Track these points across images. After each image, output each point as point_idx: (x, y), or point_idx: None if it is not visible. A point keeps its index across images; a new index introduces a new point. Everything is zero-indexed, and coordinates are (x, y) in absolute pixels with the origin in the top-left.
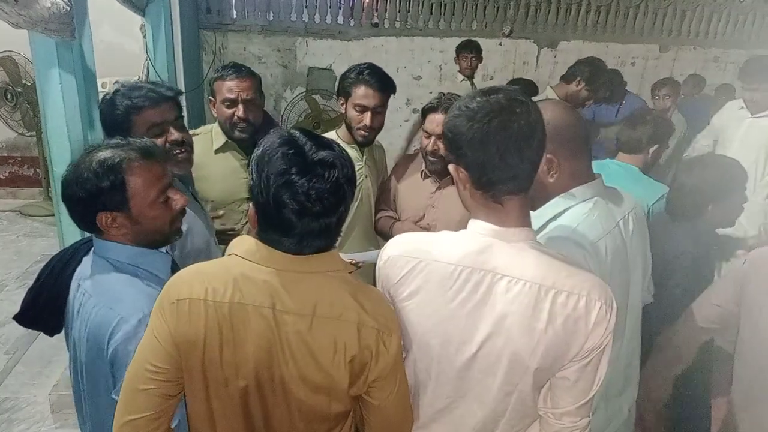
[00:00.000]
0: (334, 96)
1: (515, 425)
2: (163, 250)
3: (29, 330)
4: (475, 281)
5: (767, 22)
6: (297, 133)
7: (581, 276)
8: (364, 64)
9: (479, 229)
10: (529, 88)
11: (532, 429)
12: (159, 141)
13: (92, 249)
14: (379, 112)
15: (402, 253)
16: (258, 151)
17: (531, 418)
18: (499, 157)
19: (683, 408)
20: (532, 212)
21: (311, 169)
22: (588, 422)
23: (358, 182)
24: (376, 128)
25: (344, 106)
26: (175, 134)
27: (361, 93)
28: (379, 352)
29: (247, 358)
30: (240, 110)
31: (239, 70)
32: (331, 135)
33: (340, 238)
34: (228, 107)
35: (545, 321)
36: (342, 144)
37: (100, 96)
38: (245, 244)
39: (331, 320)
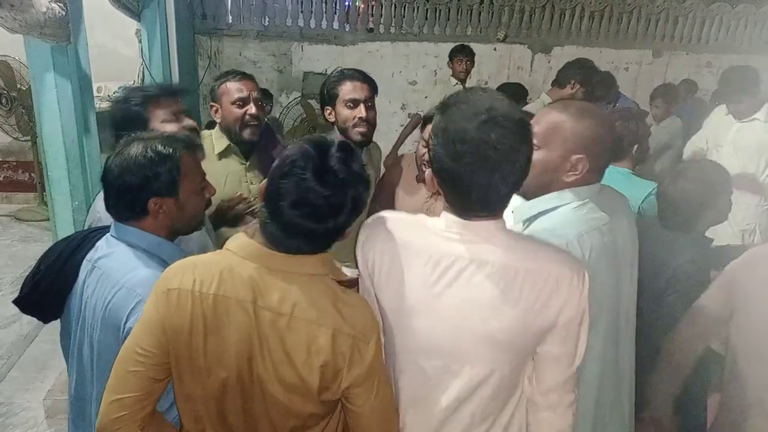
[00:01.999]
0: None
1: (486, 408)
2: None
3: (24, 335)
4: (444, 266)
5: (759, 28)
6: (333, 143)
7: (549, 252)
8: (342, 68)
9: (449, 218)
10: (518, 91)
11: (505, 412)
12: (174, 128)
13: (106, 234)
14: (370, 106)
15: (375, 237)
16: (296, 144)
17: (509, 394)
18: (476, 194)
19: (681, 410)
20: (525, 200)
21: (323, 174)
22: (574, 398)
23: None
24: (371, 122)
25: (332, 114)
26: (188, 121)
27: (349, 88)
28: (353, 360)
29: (229, 350)
30: (252, 108)
31: (243, 72)
32: None
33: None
34: (240, 106)
35: (516, 300)
36: None
37: (96, 100)
38: (238, 239)
39: (307, 322)
